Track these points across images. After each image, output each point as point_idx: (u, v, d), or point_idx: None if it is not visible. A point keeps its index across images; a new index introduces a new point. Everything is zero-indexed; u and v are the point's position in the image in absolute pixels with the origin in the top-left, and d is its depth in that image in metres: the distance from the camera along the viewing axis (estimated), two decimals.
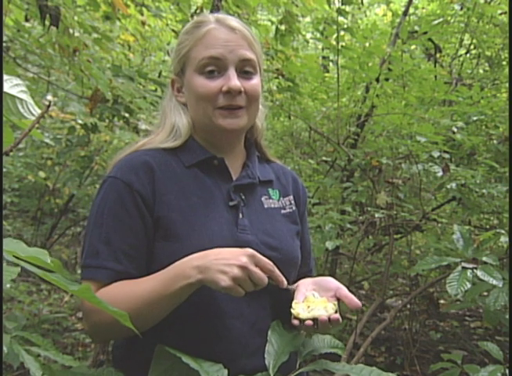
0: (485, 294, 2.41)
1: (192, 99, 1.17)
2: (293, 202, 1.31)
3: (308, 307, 1.06)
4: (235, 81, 1.12)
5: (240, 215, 1.17)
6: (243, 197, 1.20)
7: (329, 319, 1.04)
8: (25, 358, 0.84)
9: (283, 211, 1.27)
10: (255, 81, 1.17)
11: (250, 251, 1.00)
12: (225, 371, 0.94)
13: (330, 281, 1.14)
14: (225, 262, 0.98)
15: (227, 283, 0.96)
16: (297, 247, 1.26)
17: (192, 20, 1.22)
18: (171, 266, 1.03)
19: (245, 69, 1.16)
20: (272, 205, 1.25)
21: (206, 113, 1.16)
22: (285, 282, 1.04)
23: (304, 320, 1.04)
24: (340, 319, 1.05)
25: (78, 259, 5.38)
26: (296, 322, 1.06)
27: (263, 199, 1.24)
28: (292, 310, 1.07)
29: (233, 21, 1.17)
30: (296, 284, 1.18)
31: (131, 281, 1.07)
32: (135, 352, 1.13)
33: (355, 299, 1.07)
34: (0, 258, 0.74)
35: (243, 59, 1.15)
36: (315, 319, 1.04)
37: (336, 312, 1.05)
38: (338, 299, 1.08)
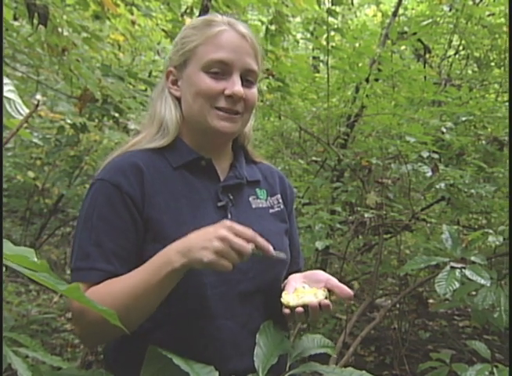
0: (474, 293, 2.43)
1: (191, 94, 1.16)
2: (280, 201, 1.32)
3: (298, 296, 1.07)
4: (239, 87, 1.13)
5: (229, 216, 1.17)
6: (231, 198, 1.20)
7: (319, 305, 1.04)
8: (13, 359, 0.83)
9: (271, 211, 1.27)
10: (254, 91, 1.19)
11: (227, 222, 0.99)
12: (216, 373, 0.93)
13: (320, 274, 1.15)
14: (204, 238, 0.97)
15: (209, 257, 0.95)
16: (287, 246, 1.27)
17: (202, 18, 1.21)
18: (155, 256, 1.03)
19: (247, 78, 1.17)
20: (260, 205, 1.26)
21: (202, 111, 1.15)
22: (271, 248, 1.02)
23: (294, 308, 1.04)
24: (331, 306, 1.05)
25: (68, 259, 5.35)
26: (287, 311, 1.06)
27: (251, 199, 1.25)
28: (282, 299, 1.07)
29: (244, 27, 1.18)
30: (286, 280, 1.19)
31: (119, 278, 1.06)
32: (127, 354, 1.13)
33: (347, 288, 1.07)
34: (0, 258, 0.73)
35: (248, 69, 1.16)
36: (305, 306, 1.04)
37: (326, 298, 1.05)
38: (329, 290, 1.09)
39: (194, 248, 0.97)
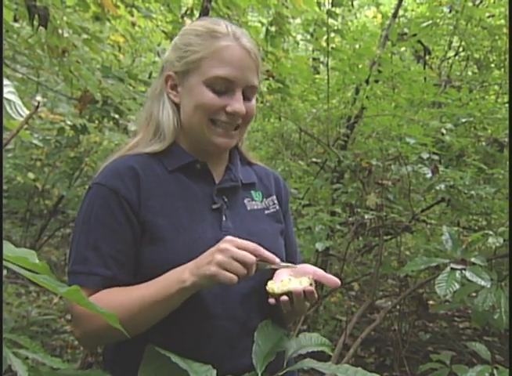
0: (474, 294, 2.43)
1: (191, 106, 1.16)
2: (276, 202, 1.32)
3: (283, 285, 1.07)
4: (241, 106, 1.14)
5: (224, 218, 1.18)
6: (226, 200, 1.21)
7: (304, 292, 1.04)
8: (13, 360, 0.83)
9: (266, 212, 1.28)
10: (253, 103, 1.19)
11: (228, 237, 1.02)
12: (214, 371, 0.94)
13: (308, 266, 1.15)
14: (208, 254, 1.01)
15: (212, 269, 0.97)
16: (282, 246, 1.28)
17: (205, 24, 1.18)
18: (166, 274, 1.05)
19: (248, 93, 1.17)
20: (255, 207, 1.26)
21: (201, 125, 1.15)
22: (276, 259, 1.05)
23: (279, 296, 1.05)
24: (316, 294, 1.06)
25: (67, 261, 5.34)
26: (272, 300, 1.07)
27: (246, 201, 1.25)
28: (267, 288, 1.07)
29: (248, 41, 1.17)
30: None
31: (124, 288, 1.08)
32: (126, 355, 1.13)
33: (333, 278, 1.09)
34: (0, 259, 0.73)
35: (251, 86, 1.16)
36: (290, 295, 1.05)
37: (311, 285, 1.06)
38: (317, 282, 1.10)
39: (200, 265, 1.00)
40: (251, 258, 0.99)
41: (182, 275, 1.02)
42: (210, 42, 1.14)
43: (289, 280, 1.10)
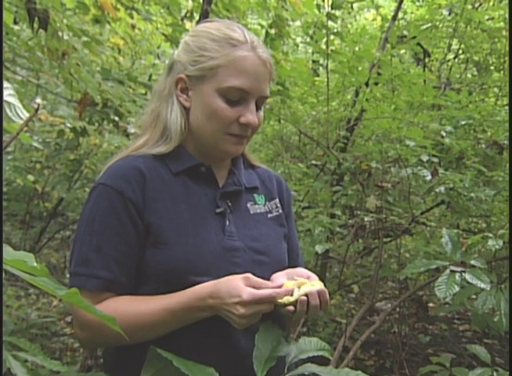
0: (474, 297, 2.43)
1: (204, 114, 1.14)
2: (279, 205, 1.32)
3: (291, 294, 1.06)
4: (254, 117, 1.14)
5: (227, 222, 1.17)
6: (230, 204, 1.20)
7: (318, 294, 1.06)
8: (12, 363, 0.83)
9: (269, 215, 1.27)
10: (262, 113, 1.19)
11: (247, 292, 1.01)
12: (217, 375, 0.94)
13: (302, 270, 1.16)
14: (228, 302, 1.01)
15: (237, 322, 1.01)
16: (285, 250, 1.27)
17: (221, 29, 1.15)
18: (185, 297, 1.05)
19: (259, 103, 1.17)
20: (258, 210, 1.26)
21: (214, 134, 1.15)
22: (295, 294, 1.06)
23: (296, 301, 1.04)
24: (327, 294, 1.07)
25: (67, 263, 5.34)
26: (291, 308, 1.05)
27: (249, 205, 1.25)
28: (280, 300, 1.04)
29: (263, 51, 1.15)
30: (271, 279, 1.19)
31: (137, 300, 1.09)
32: (128, 359, 1.13)
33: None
34: (0, 260, 0.73)
35: (263, 97, 1.16)
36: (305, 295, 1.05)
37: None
38: None
39: (222, 309, 1.03)
40: (270, 308, 1.03)
41: (203, 308, 1.04)
42: (227, 50, 1.11)
43: (299, 284, 1.09)
